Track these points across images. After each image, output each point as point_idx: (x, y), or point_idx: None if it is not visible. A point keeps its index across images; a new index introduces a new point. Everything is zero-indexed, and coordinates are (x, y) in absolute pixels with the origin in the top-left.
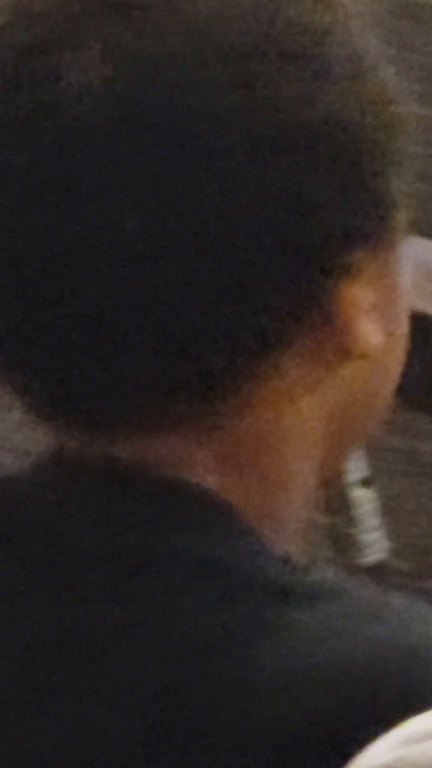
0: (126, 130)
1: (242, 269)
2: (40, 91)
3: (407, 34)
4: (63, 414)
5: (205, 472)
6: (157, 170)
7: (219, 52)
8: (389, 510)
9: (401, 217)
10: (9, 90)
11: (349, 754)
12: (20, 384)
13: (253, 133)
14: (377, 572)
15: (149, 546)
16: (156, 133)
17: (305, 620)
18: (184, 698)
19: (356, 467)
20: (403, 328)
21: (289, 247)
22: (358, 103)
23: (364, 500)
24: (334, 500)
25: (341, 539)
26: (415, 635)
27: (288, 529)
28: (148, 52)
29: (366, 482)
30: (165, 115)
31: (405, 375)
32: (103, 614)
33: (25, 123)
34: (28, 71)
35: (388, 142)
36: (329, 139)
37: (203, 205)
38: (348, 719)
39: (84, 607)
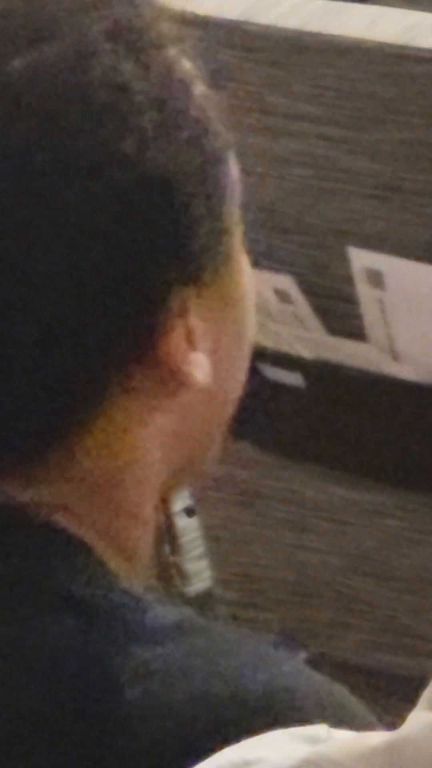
0: None
1: (62, 316)
2: None
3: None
4: None
5: (56, 510)
6: None
7: (30, 108)
8: (213, 538)
9: (231, 245)
10: None
11: None
12: None
13: (66, 186)
14: (203, 601)
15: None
16: None
17: (160, 657)
18: (49, 730)
19: (179, 496)
20: (239, 356)
21: (108, 295)
22: (166, 151)
23: (188, 529)
24: (158, 530)
25: (166, 568)
26: (267, 672)
27: (141, 559)
28: None
29: (189, 511)
30: None
31: None
32: None
33: None
34: None
35: (205, 181)
36: (140, 191)
37: (22, 258)
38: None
39: None
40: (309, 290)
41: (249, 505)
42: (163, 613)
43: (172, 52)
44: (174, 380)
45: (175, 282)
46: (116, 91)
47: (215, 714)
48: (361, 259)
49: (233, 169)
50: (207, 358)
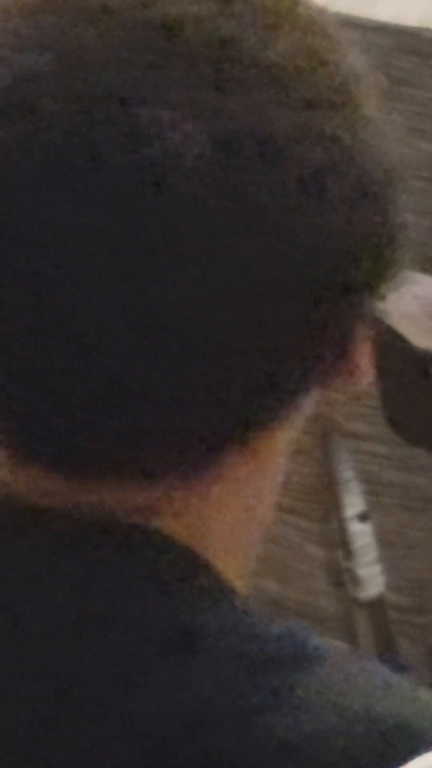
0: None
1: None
2: None
3: (412, 70)
4: (38, 458)
5: (171, 521)
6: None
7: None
8: (387, 544)
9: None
10: None
11: None
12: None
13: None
14: (375, 607)
15: (123, 614)
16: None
17: (290, 691)
18: None
19: (353, 502)
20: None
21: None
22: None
23: (362, 534)
24: (332, 534)
25: (339, 573)
26: (397, 708)
27: (245, 566)
28: None
29: (363, 516)
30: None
31: (405, 410)
32: (95, 690)
33: None
34: None
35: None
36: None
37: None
38: None
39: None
40: None
41: (422, 511)
42: (282, 633)
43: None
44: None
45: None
46: (267, 135)
47: (355, 743)
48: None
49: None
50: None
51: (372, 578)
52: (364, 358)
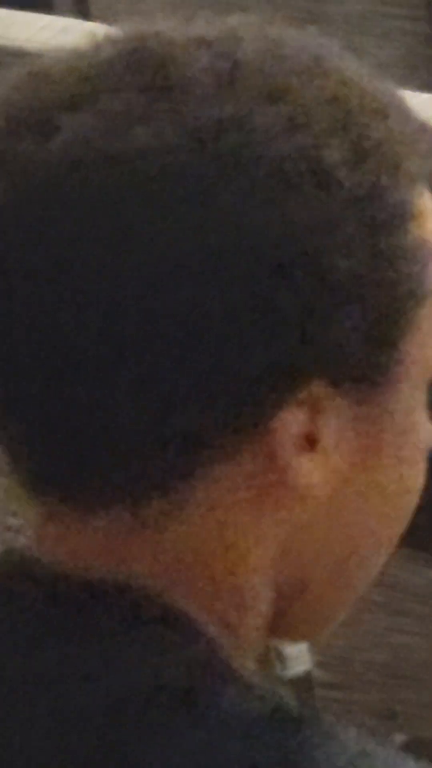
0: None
1: (183, 377)
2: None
3: None
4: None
5: (157, 580)
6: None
7: (211, 161)
8: None
9: (398, 364)
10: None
11: None
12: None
13: (217, 251)
14: (301, 684)
15: (128, 681)
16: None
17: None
18: None
19: None
20: (389, 491)
21: (234, 368)
22: (353, 251)
23: None
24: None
25: (265, 651)
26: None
27: (245, 643)
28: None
29: None
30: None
31: None
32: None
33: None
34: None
35: (381, 300)
36: (299, 265)
37: (158, 315)
38: None
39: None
40: None
41: None
42: (276, 704)
43: (405, 181)
44: (278, 477)
45: (305, 368)
46: (313, 166)
47: None
48: None
49: (426, 324)
50: (331, 475)
51: (299, 656)
52: None
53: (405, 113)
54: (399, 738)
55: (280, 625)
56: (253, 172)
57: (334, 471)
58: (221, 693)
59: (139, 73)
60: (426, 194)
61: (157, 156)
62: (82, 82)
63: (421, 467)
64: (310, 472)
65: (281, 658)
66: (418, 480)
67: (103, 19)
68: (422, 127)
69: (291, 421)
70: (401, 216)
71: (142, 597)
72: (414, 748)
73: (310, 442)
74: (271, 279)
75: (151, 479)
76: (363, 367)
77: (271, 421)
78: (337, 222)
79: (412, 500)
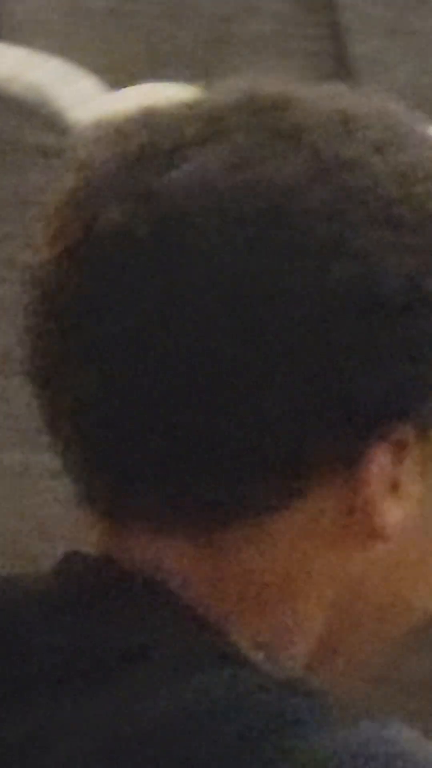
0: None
1: (276, 415)
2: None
3: None
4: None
5: (205, 592)
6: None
7: (335, 194)
8: None
9: None
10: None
11: None
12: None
13: (337, 284)
14: None
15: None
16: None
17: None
18: None
19: None
20: None
21: (328, 408)
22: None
23: None
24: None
25: None
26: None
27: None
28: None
29: None
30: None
31: None
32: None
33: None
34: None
35: None
36: (386, 310)
37: (274, 343)
38: None
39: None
40: None
41: None
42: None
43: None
44: (361, 515)
45: (399, 411)
46: (421, 213)
47: None
48: None
49: None
50: (407, 519)
51: None
52: None
53: None
54: None
55: (320, 660)
56: (370, 208)
57: (409, 514)
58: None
59: (263, 115)
60: None
61: (284, 187)
62: (206, 122)
63: None
64: (393, 514)
65: None
66: None
67: (12, 38)
68: None
69: (381, 462)
70: None
71: (195, 622)
72: None
73: (393, 484)
74: (388, 315)
75: (242, 507)
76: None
77: (364, 459)
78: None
79: None
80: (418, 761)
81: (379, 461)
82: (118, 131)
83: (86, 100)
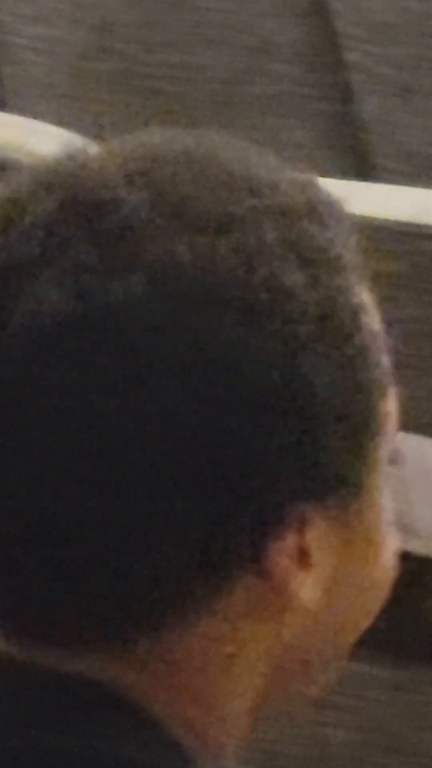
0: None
1: (170, 509)
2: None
3: None
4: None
5: (136, 687)
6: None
7: (190, 295)
8: None
9: (367, 480)
10: None
11: None
12: None
13: (209, 386)
14: None
15: (69, 749)
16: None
17: None
18: None
19: None
20: (362, 594)
21: (219, 492)
22: (316, 365)
23: None
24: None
25: None
26: None
27: (217, 747)
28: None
29: None
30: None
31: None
32: None
33: None
34: None
35: (350, 407)
36: (278, 395)
37: (155, 455)
38: None
39: None
40: None
41: None
42: None
43: (351, 278)
44: (277, 597)
45: (293, 494)
46: (276, 294)
47: None
48: None
49: (390, 407)
50: (321, 583)
51: None
52: None
53: (333, 210)
54: None
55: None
56: (221, 311)
57: (323, 578)
58: None
59: (86, 223)
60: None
61: (122, 313)
62: (31, 245)
63: (390, 565)
64: (306, 585)
65: None
66: (388, 576)
67: (16, 102)
68: (347, 220)
69: (284, 545)
70: (357, 319)
71: (119, 703)
72: None
73: (302, 556)
74: (256, 418)
75: (143, 622)
76: (343, 481)
77: (267, 546)
78: (307, 344)
79: (384, 594)
80: None
81: (280, 546)
82: None
83: None
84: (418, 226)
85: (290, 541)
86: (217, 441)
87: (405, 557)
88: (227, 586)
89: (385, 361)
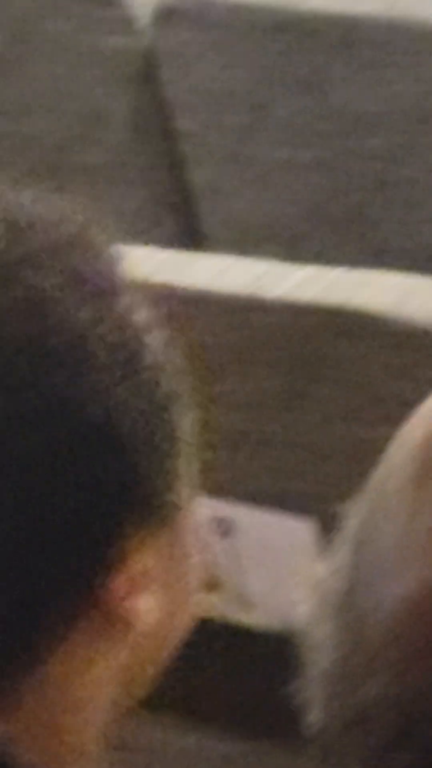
0: None
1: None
2: None
3: None
4: None
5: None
6: None
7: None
8: None
9: (179, 494)
10: None
11: None
12: None
13: (17, 431)
14: None
15: None
16: None
17: None
18: None
19: None
20: (187, 594)
21: (51, 537)
22: (117, 397)
23: None
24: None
25: None
26: None
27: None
28: None
29: None
30: None
31: None
32: None
33: None
34: None
35: (154, 428)
36: (89, 435)
37: None
38: None
39: None
40: None
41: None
42: None
43: (126, 299)
44: (121, 623)
45: (117, 526)
46: (71, 338)
47: None
48: (211, 507)
49: (185, 420)
50: (156, 597)
51: None
52: None
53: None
54: None
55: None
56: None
57: (158, 589)
58: None
59: None
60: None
61: None
62: None
63: (198, 576)
64: (145, 603)
65: None
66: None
67: None
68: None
69: (117, 574)
70: (142, 339)
71: None
72: None
73: (137, 578)
74: (66, 459)
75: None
76: (162, 500)
77: (101, 585)
78: (105, 377)
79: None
80: None
81: (116, 574)
82: None
83: None
84: (249, 298)
85: (123, 569)
86: (34, 487)
87: (245, 632)
88: (71, 626)
89: (179, 378)
